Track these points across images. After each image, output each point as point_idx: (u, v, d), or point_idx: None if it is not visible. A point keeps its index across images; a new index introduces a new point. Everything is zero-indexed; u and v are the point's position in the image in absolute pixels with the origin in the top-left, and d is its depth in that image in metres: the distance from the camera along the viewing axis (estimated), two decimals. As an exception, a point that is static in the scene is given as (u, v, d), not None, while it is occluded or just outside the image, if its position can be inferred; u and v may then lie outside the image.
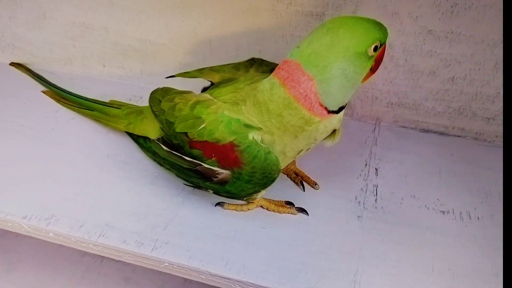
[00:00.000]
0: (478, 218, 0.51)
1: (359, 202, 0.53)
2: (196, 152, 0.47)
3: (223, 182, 0.46)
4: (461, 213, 0.52)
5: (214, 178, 0.46)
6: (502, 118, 0.60)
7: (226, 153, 0.45)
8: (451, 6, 0.54)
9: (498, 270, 0.46)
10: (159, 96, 0.54)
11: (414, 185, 0.56)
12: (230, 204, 0.53)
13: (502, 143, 0.62)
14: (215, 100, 0.48)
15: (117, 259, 0.50)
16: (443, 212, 0.52)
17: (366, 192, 0.54)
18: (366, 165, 0.58)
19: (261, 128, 0.45)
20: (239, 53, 0.65)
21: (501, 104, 0.58)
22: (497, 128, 0.60)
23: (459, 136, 0.63)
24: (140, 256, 0.48)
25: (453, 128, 0.63)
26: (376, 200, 0.53)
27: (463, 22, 0.54)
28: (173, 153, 0.49)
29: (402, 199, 0.53)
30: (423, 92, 0.61)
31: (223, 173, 0.46)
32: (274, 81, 0.44)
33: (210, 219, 0.51)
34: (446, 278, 0.45)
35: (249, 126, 0.44)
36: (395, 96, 0.62)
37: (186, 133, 0.47)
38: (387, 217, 0.51)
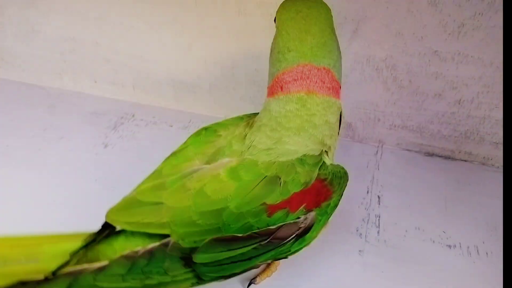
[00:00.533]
0: (487, 254, 0.48)
1: (361, 234, 0.50)
2: (278, 215, 0.36)
3: (307, 230, 0.38)
4: (468, 247, 0.49)
5: (292, 235, 0.37)
6: None
7: (317, 191, 0.38)
8: (458, 27, 0.51)
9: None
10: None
11: (418, 215, 0.52)
12: (261, 275, 0.46)
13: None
14: (252, 157, 0.38)
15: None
16: (450, 246, 0.49)
17: (368, 223, 0.51)
18: (368, 192, 0.55)
19: (322, 148, 0.39)
20: (235, 71, 0.62)
21: None
22: (506, 153, 0.57)
23: (465, 161, 0.60)
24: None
25: (459, 152, 0.60)
26: (378, 232, 0.50)
27: (470, 44, 0.51)
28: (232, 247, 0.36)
29: (406, 231, 0.50)
30: (428, 115, 0.58)
31: (308, 217, 0.37)
32: (297, 97, 0.38)
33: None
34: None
35: (317, 154, 0.39)
36: (399, 118, 0.59)
37: (263, 203, 0.36)
38: (390, 251, 0.48)
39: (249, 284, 0.45)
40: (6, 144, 0.62)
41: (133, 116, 0.68)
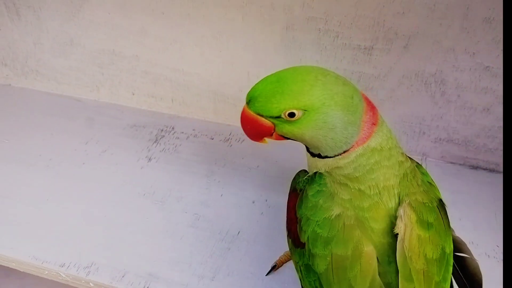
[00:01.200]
0: (544, 270, 0.48)
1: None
2: None
3: None
4: (525, 263, 0.49)
5: None
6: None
7: None
8: (511, 43, 0.51)
9: None
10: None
11: (470, 229, 0.53)
12: (280, 260, 0.49)
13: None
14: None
15: (162, 312, 0.48)
16: (506, 261, 0.49)
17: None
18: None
19: None
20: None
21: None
22: (553, 167, 0.58)
23: (510, 174, 0.61)
24: (188, 311, 0.45)
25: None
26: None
27: (522, 59, 0.52)
28: None
29: (461, 246, 0.51)
30: (475, 129, 0.58)
31: None
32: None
33: (261, 269, 0.48)
34: None
35: None
36: (444, 131, 0.60)
37: None
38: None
39: (270, 270, 0.48)
40: (49, 158, 0.62)
41: (173, 128, 0.68)
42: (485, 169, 0.61)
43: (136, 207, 0.56)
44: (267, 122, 0.37)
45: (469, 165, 0.62)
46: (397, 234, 0.34)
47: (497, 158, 0.60)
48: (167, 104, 0.70)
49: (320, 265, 0.34)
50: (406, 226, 0.34)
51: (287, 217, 0.40)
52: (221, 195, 0.57)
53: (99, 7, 0.62)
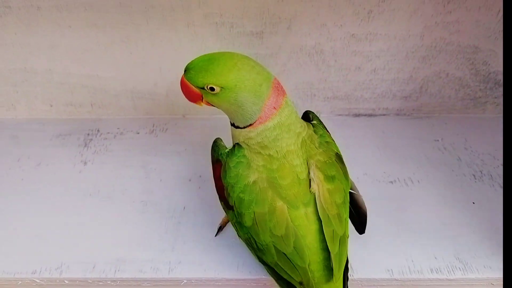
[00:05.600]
0: (418, 181, 0.65)
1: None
2: None
3: None
4: (404, 179, 0.65)
5: None
6: (416, 96, 0.74)
7: None
8: (368, 13, 0.65)
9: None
10: None
11: (362, 164, 0.67)
12: (223, 221, 0.59)
13: (417, 116, 0.76)
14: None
15: (135, 288, 0.56)
16: (391, 182, 0.65)
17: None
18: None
19: None
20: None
21: (414, 85, 0.72)
22: (413, 103, 0.75)
23: (384, 115, 0.77)
24: (159, 280, 0.54)
25: (378, 109, 0.76)
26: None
27: (378, 24, 0.66)
28: None
29: (357, 178, 0.65)
30: (352, 84, 0.73)
31: None
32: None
33: (209, 232, 0.58)
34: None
35: None
36: (330, 91, 0.73)
37: None
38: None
39: (218, 231, 0.58)
40: (-15, 181, 0.65)
41: (98, 131, 0.74)
42: (364, 115, 0.77)
43: (87, 207, 0.61)
44: (196, 89, 0.46)
45: (352, 114, 0.77)
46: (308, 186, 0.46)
47: (372, 105, 0.75)
48: (87, 109, 0.75)
49: (247, 221, 0.46)
50: (317, 185, 0.46)
51: (216, 185, 0.51)
52: (160, 180, 0.65)
53: (5, 29, 0.65)
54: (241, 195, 0.46)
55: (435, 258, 0.55)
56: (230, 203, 0.47)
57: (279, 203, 0.45)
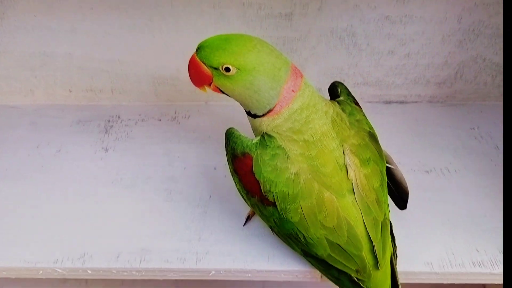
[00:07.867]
0: (455, 171, 0.61)
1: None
2: None
3: None
4: (441, 169, 0.62)
5: None
6: (450, 82, 0.70)
7: None
8: (403, -6, 0.61)
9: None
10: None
11: (396, 152, 0.64)
12: (252, 210, 0.56)
13: (452, 103, 0.73)
14: None
15: (161, 278, 0.53)
16: (427, 171, 0.61)
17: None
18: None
19: None
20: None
21: (449, 71, 0.69)
22: (447, 90, 0.71)
23: (416, 102, 0.73)
24: (186, 271, 0.51)
25: (410, 96, 0.73)
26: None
27: (414, 6, 0.62)
28: None
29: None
30: (384, 70, 0.69)
31: None
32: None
33: (237, 222, 0.56)
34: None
35: None
36: (360, 76, 0.70)
37: None
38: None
39: (246, 221, 0.55)
40: (5, 168, 0.63)
41: (119, 117, 0.71)
42: (396, 102, 0.73)
43: (109, 194, 0.59)
44: (207, 70, 0.43)
45: (383, 101, 0.74)
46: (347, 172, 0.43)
47: (404, 91, 0.72)
48: (107, 95, 0.73)
49: (294, 217, 0.43)
50: (354, 172, 0.43)
51: (242, 180, 0.47)
52: (184, 168, 0.63)
53: (24, 11, 0.62)
54: (285, 189, 0.42)
55: (477, 251, 0.52)
56: (270, 199, 0.44)
57: (327, 194, 0.42)
